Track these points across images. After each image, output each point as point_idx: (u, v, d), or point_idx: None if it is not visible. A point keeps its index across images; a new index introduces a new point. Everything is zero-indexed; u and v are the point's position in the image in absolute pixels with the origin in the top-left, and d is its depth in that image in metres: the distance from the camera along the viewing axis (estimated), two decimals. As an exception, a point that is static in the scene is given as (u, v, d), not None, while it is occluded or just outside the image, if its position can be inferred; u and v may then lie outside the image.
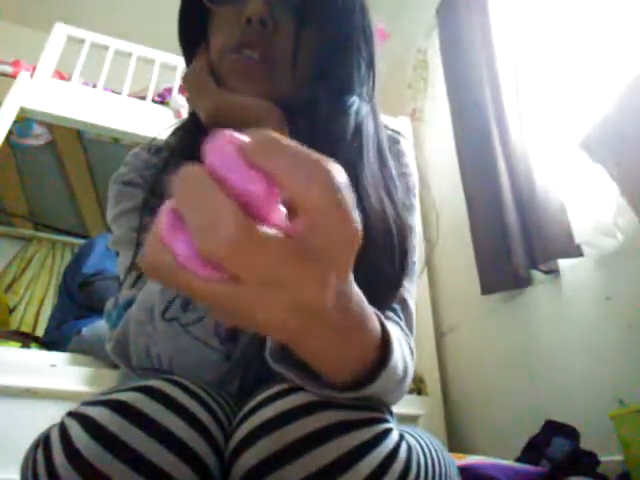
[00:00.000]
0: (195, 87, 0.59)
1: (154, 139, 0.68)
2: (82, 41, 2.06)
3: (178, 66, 2.14)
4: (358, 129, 0.57)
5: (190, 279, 0.22)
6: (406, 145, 0.67)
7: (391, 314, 0.52)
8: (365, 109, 0.59)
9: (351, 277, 0.30)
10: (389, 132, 0.66)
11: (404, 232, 0.52)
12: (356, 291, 0.31)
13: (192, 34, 0.63)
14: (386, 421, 0.40)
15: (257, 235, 0.21)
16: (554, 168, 1.44)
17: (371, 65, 0.63)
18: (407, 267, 0.53)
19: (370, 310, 0.34)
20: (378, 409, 0.41)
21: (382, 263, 0.50)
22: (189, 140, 0.62)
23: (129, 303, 0.52)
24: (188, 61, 0.66)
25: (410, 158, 0.66)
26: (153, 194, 0.59)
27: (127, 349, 0.50)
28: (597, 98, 1.34)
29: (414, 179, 0.65)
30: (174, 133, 0.67)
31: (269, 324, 0.24)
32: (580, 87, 1.44)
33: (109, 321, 0.54)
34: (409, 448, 0.39)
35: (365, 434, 0.38)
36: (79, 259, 1.93)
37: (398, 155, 0.64)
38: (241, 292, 0.22)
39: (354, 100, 0.59)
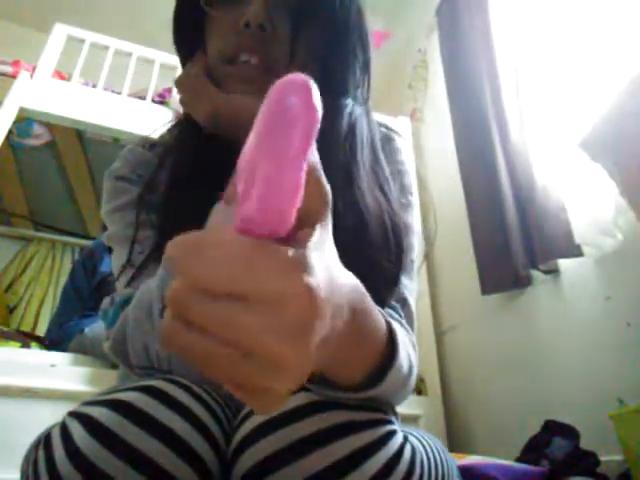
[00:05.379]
0: (192, 90, 0.58)
1: (149, 136, 0.68)
2: (82, 41, 2.06)
3: (178, 66, 2.13)
4: (352, 130, 0.57)
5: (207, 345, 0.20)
6: (401, 142, 0.67)
7: (391, 312, 0.52)
8: (359, 111, 0.60)
9: (357, 285, 0.30)
10: (383, 130, 0.66)
11: (400, 229, 0.53)
12: (360, 298, 0.30)
13: (187, 36, 0.63)
14: (390, 422, 0.40)
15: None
16: (554, 168, 1.44)
17: (366, 68, 0.63)
18: (404, 264, 0.53)
19: (377, 312, 0.34)
20: (382, 410, 0.41)
21: (379, 260, 0.50)
22: (184, 139, 0.62)
23: (126, 301, 0.52)
24: (183, 63, 0.65)
25: (406, 155, 0.66)
26: (148, 190, 0.59)
27: (125, 348, 0.50)
28: (597, 98, 1.34)
29: (410, 176, 0.65)
30: (169, 130, 0.67)
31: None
32: (580, 87, 1.44)
33: (105, 320, 0.54)
34: (413, 450, 0.39)
35: (370, 435, 0.37)
36: (92, 257, 1.90)
37: (393, 152, 0.64)
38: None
39: (348, 102, 0.59)
